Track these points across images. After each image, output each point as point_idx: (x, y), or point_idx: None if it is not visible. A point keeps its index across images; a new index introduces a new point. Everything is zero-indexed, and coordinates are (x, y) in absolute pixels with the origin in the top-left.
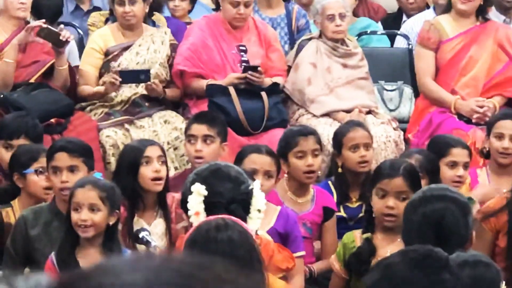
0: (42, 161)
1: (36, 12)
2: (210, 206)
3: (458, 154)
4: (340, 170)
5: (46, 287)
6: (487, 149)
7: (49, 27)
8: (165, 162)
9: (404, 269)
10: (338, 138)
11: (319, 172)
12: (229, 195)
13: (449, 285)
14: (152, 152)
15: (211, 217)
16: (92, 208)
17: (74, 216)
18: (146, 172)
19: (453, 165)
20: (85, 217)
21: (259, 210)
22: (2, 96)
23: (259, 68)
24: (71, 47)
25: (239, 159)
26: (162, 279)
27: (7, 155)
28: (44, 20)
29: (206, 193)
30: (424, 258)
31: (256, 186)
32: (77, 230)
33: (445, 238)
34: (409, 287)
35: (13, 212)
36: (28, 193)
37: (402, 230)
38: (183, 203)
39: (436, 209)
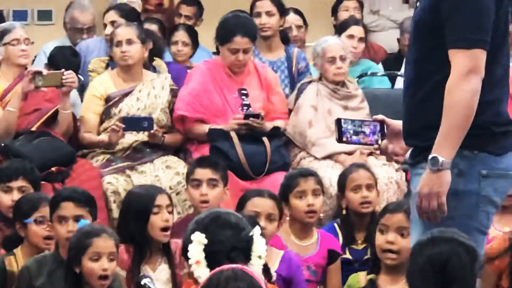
0: (42, 211)
1: (53, 65)
2: (211, 254)
3: None
4: (344, 212)
5: None
6: None
7: (47, 71)
8: (172, 211)
9: None
10: (341, 180)
11: (322, 214)
12: (230, 243)
13: None
14: (162, 200)
15: (224, 267)
16: (112, 257)
17: (93, 265)
18: (156, 221)
19: None
20: (106, 266)
21: (259, 257)
22: (3, 145)
23: (261, 114)
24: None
25: (242, 203)
26: None
27: (6, 198)
28: (39, 69)
29: (206, 241)
30: None
31: (257, 232)
32: (91, 281)
33: (449, 283)
34: None
35: (16, 261)
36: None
37: (407, 271)
38: (184, 252)
39: (442, 251)
